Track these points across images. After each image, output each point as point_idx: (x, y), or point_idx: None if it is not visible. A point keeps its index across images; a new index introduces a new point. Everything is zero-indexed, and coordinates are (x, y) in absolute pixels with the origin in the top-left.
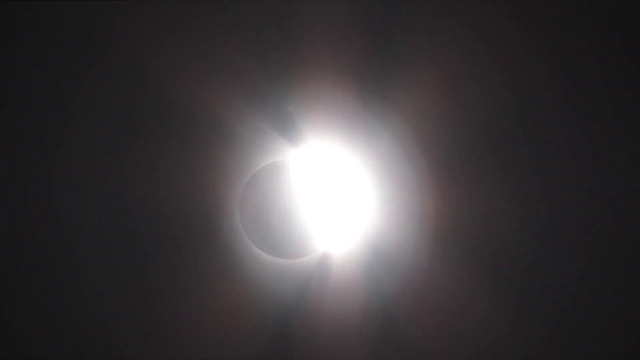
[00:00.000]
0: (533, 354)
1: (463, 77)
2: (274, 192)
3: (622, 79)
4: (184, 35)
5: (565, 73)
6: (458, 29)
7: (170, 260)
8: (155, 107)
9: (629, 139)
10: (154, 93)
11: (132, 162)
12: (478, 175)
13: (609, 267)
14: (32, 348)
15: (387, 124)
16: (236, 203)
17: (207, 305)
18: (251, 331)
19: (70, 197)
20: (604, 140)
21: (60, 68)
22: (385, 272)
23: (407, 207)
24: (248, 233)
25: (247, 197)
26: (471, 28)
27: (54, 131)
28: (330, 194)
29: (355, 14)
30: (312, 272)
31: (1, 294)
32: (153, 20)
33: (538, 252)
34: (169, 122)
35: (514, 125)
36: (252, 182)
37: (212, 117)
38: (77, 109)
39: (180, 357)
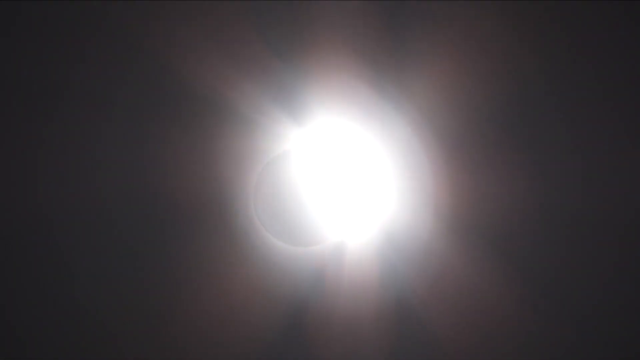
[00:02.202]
0: (550, 341)
1: (480, 63)
2: (288, 179)
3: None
4: (197, 20)
5: (585, 61)
6: (475, 16)
7: (182, 247)
8: (169, 93)
9: None
10: (167, 80)
11: (144, 149)
12: (495, 162)
13: (629, 255)
14: (42, 336)
15: (402, 111)
16: (250, 190)
17: (219, 295)
18: (265, 320)
19: (82, 184)
20: (623, 127)
21: (73, 55)
22: (401, 259)
23: (423, 194)
24: (262, 220)
25: (262, 184)
26: (489, 15)
27: (64, 117)
28: (345, 181)
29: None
30: (327, 261)
31: (12, 285)
32: (165, 5)
33: (556, 239)
34: (183, 109)
35: (532, 112)
36: (266, 169)
37: (226, 104)
38: (90, 96)
39: (192, 346)
